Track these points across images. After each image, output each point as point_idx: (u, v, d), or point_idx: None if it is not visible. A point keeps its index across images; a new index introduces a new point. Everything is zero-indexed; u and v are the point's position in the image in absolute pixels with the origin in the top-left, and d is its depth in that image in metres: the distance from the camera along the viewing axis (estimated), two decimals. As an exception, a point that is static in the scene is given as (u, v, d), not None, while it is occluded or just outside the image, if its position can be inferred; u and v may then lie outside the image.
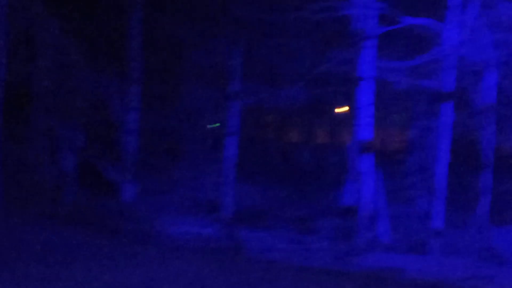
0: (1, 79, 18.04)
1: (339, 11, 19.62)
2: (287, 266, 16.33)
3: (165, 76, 24.26)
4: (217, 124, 26.14)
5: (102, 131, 22.83)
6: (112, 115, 22.47)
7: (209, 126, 26.39)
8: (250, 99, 23.15)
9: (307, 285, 14.52)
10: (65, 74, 21.47)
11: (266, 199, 24.66)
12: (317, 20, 20.09)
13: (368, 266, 17.02)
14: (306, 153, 30.20)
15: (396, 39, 21.36)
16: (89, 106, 22.11)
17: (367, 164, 19.74)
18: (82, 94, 21.62)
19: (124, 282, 13.49)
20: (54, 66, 21.36)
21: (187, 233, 19.58)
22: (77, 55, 20.85)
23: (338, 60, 20.61)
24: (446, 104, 19.33)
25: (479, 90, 21.13)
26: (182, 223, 20.37)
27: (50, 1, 20.59)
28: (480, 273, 16.69)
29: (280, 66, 23.34)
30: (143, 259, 15.78)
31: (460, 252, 18.82)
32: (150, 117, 23.62)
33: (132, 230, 19.26)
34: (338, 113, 30.82)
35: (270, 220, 21.94)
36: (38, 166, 21.43)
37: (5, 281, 12.69)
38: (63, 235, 17.50)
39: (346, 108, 29.71)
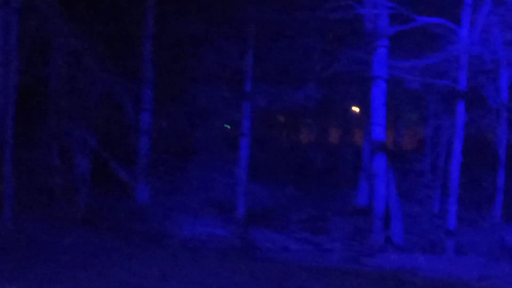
0: (14, 82, 18.10)
1: (351, 11, 19.60)
2: (300, 267, 16.31)
3: (178, 77, 24.28)
4: (228, 126, 26.18)
5: (115, 133, 22.89)
6: (125, 117, 22.51)
7: (226, 126, 26.45)
8: (262, 99, 23.17)
9: (320, 285, 14.50)
10: (78, 76, 21.52)
11: (279, 199, 24.68)
12: (329, 20, 20.08)
13: (382, 266, 17.00)
14: (318, 153, 30.19)
15: (409, 39, 21.36)
16: (102, 107, 22.13)
17: (380, 164, 19.69)
18: (95, 95, 21.63)
19: (138, 284, 13.52)
20: (68, 68, 21.41)
21: (201, 234, 19.60)
22: (90, 57, 20.88)
23: (350, 60, 20.61)
24: (460, 103, 19.28)
25: (492, 89, 21.12)
26: (196, 224, 20.40)
27: (64, 3, 20.65)
28: (495, 271, 16.64)
29: (293, 66, 23.36)
30: (157, 260, 15.80)
31: (474, 251, 18.77)
32: (163, 118, 23.68)
33: (146, 231, 19.31)
34: (352, 113, 30.80)
35: (283, 221, 21.96)
36: (51, 168, 21.47)
37: (20, 283, 12.73)
38: (77, 236, 17.52)
39: (357, 109, 29.72)
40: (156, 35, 22.59)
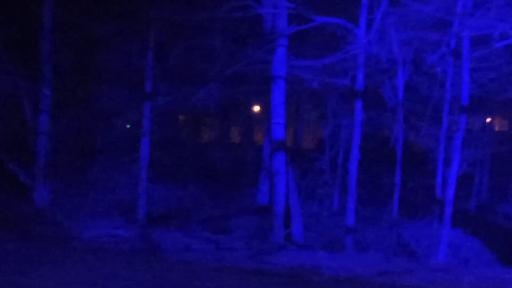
0: None
1: (250, 11, 19.71)
2: (203, 266, 16.30)
3: (81, 78, 24.02)
4: (129, 126, 26.03)
5: (15, 134, 22.50)
6: (23, 118, 22.17)
7: (127, 126, 26.28)
8: (164, 99, 23.10)
9: (223, 284, 14.53)
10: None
11: (182, 199, 24.67)
12: (230, 19, 20.16)
13: (283, 264, 17.10)
14: (221, 152, 30.28)
15: (310, 39, 21.63)
16: (0, 108, 21.75)
17: (280, 162, 19.86)
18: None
19: (37, 286, 13.31)
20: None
21: (102, 235, 19.39)
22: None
23: (251, 59, 20.72)
24: (358, 101, 19.65)
25: (389, 88, 21.56)
26: (97, 225, 20.18)
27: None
28: (393, 267, 16.97)
29: (195, 66, 23.34)
30: (56, 263, 15.56)
31: (373, 247, 19.12)
32: (65, 119, 23.37)
33: (45, 233, 19.00)
34: (253, 113, 31.00)
35: (185, 221, 21.95)
36: None
37: None
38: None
39: (258, 108, 29.94)
40: (59, 36, 22.28)
